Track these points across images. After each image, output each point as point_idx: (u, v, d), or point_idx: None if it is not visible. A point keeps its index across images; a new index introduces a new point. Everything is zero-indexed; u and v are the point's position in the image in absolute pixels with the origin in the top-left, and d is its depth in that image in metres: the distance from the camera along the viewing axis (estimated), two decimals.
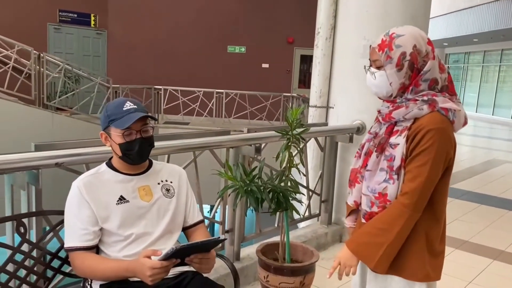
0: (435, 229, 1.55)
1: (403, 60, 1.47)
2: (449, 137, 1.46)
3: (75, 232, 1.61)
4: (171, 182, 1.78)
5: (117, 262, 1.59)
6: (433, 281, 1.57)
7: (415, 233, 1.52)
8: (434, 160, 1.44)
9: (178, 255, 1.50)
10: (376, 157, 1.56)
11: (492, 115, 17.78)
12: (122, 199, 1.65)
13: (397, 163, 1.49)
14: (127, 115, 1.60)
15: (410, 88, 1.49)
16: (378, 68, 1.52)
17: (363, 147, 1.66)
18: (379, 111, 1.59)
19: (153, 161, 1.80)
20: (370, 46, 1.55)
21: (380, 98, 1.60)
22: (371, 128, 1.67)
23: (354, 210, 1.73)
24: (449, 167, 1.52)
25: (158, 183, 1.75)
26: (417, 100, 1.48)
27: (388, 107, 1.54)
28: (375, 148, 1.57)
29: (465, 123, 1.54)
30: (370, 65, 1.56)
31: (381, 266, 1.52)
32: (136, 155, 1.65)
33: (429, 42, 1.50)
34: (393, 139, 1.52)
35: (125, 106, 1.63)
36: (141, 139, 1.64)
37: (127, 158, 1.66)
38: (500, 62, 17.98)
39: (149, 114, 1.66)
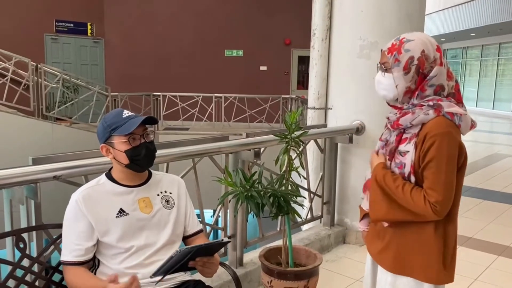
0: (451, 231, 1.56)
1: (411, 64, 1.50)
2: (455, 139, 1.47)
3: (68, 246, 1.61)
4: (170, 193, 1.76)
5: (95, 282, 1.57)
6: (445, 283, 1.57)
7: (432, 235, 1.52)
8: (447, 164, 1.45)
9: (182, 258, 1.50)
10: (389, 164, 1.59)
11: (492, 109, 17.75)
12: (121, 212, 1.64)
13: (407, 170, 1.52)
14: (129, 121, 1.61)
15: (416, 93, 1.52)
16: (386, 70, 1.55)
17: (376, 153, 1.68)
18: (388, 118, 1.62)
19: (152, 171, 1.79)
20: (382, 49, 1.59)
21: (388, 104, 1.63)
22: (382, 135, 1.69)
23: (368, 214, 1.75)
24: (462, 169, 1.52)
25: (158, 194, 1.73)
26: (423, 105, 1.50)
27: (396, 114, 1.57)
28: (387, 156, 1.60)
29: (472, 126, 1.54)
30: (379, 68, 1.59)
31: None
32: (144, 159, 1.64)
33: (438, 49, 1.53)
34: (402, 147, 1.55)
35: (123, 114, 1.64)
36: (145, 143, 1.65)
37: (135, 164, 1.64)
38: (499, 56, 17.95)
39: (151, 115, 1.67)
